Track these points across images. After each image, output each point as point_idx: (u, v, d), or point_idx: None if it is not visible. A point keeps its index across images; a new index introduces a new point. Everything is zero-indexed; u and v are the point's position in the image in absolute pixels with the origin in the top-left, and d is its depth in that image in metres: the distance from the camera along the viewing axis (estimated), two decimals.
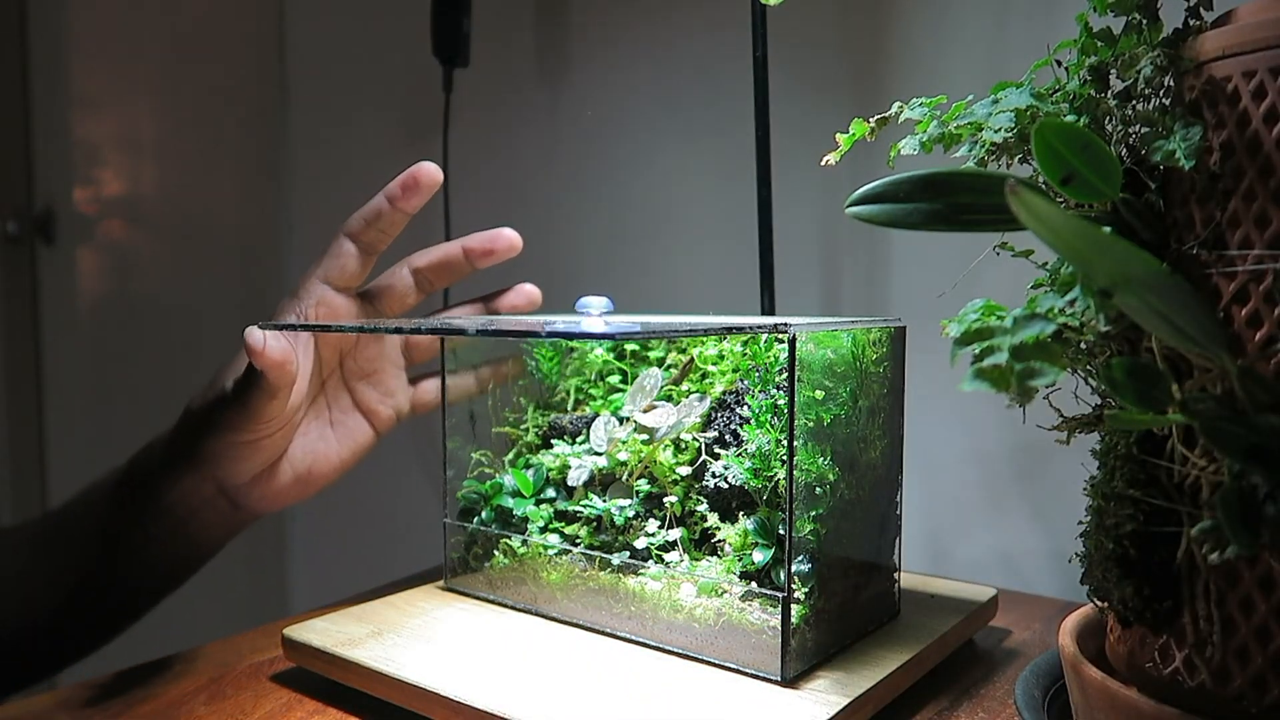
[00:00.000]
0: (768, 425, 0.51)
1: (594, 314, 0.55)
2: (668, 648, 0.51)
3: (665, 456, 0.56)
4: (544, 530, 0.59)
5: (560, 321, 0.39)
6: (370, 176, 1.22)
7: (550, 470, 0.61)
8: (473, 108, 1.08)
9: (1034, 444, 0.72)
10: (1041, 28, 0.70)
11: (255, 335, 0.51)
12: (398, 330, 0.45)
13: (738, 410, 0.55)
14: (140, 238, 1.39)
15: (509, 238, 0.65)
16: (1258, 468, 0.26)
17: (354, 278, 0.62)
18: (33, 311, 1.42)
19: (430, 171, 0.60)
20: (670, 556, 0.53)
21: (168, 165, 1.38)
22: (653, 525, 0.55)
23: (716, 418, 0.56)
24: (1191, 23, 0.34)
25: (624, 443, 0.58)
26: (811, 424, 0.48)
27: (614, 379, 0.63)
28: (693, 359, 0.59)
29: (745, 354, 0.56)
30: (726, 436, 0.55)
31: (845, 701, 0.44)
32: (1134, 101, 0.35)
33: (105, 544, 0.63)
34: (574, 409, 0.65)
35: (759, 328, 0.46)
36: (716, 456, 0.55)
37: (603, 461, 0.59)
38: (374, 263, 0.63)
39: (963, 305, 0.32)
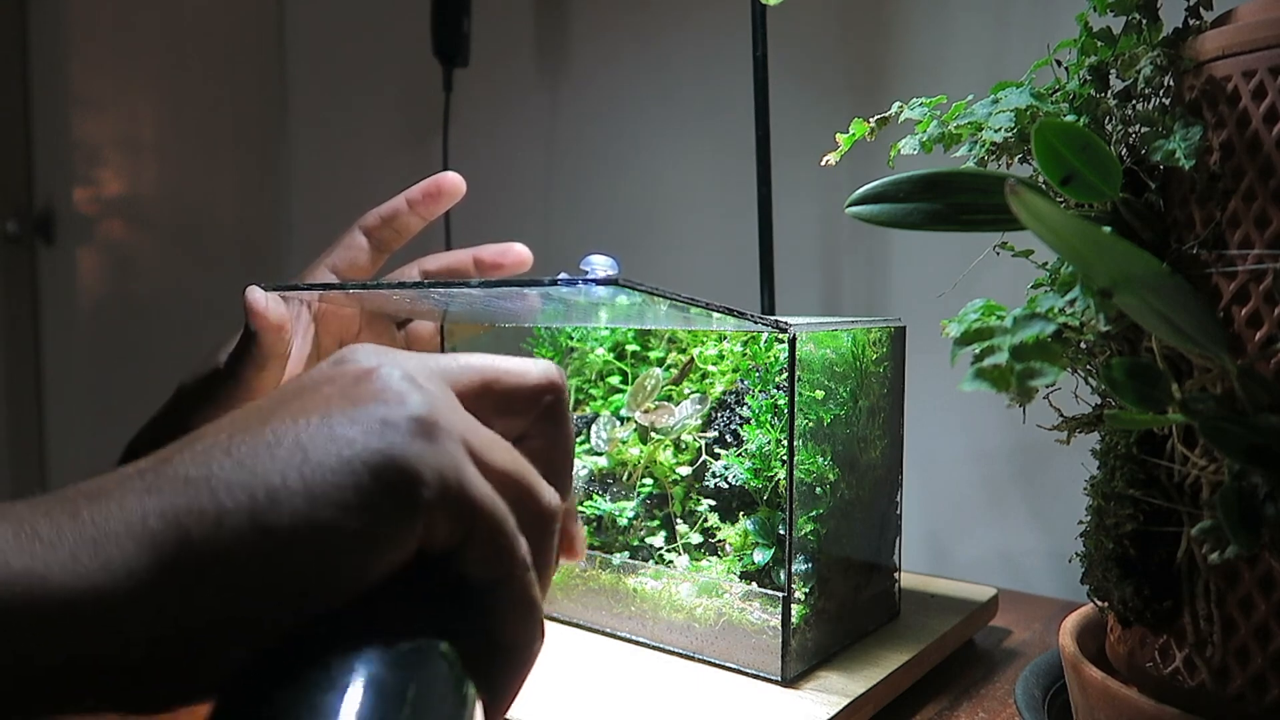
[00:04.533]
0: (768, 425, 0.51)
1: (599, 273, 0.55)
2: (668, 648, 0.51)
3: (665, 456, 0.56)
4: None
5: (564, 275, 0.39)
6: (370, 176, 1.23)
7: None
8: (473, 108, 1.08)
9: (1034, 444, 0.72)
10: (1041, 28, 0.70)
11: (257, 295, 0.50)
12: (400, 285, 0.45)
13: (738, 410, 0.55)
14: (140, 238, 1.39)
15: (519, 253, 0.65)
16: (1258, 468, 0.26)
17: (362, 271, 0.62)
18: (33, 311, 1.42)
19: (454, 182, 0.60)
20: (670, 556, 0.53)
21: (168, 165, 1.39)
22: (653, 527, 0.55)
23: (716, 418, 0.56)
24: (1191, 23, 0.34)
25: (624, 443, 0.58)
26: (811, 424, 0.48)
27: (614, 379, 0.63)
28: (693, 359, 0.59)
29: (745, 354, 0.56)
30: (726, 436, 0.55)
31: (845, 701, 0.44)
32: (1134, 101, 0.35)
33: None
34: (574, 409, 0.65)
35: (759, 319, 0.46)
36: (716, 456, 0.55)
37: (603, 461, 0.59)
38: (384, 260, 0.63)
39: (963, 305, 0.32)
